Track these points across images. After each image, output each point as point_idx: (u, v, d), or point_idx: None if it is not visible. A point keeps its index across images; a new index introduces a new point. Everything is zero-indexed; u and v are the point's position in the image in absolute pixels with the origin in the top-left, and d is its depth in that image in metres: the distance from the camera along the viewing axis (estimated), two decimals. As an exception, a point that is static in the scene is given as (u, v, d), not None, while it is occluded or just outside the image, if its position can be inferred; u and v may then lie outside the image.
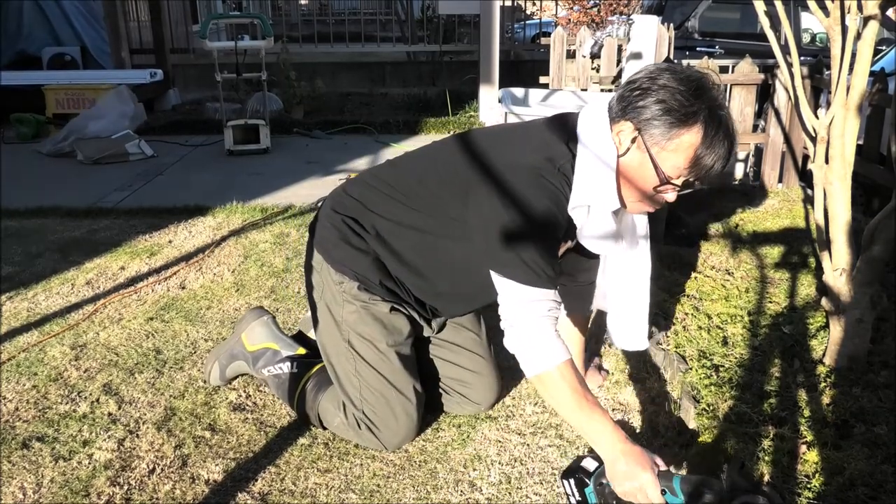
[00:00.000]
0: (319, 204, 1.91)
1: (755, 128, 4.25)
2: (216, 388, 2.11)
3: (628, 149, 1.49)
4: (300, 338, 2.13)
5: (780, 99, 3.96)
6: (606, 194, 1.52)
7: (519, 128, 1.69)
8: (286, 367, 1.96)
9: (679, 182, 1.50)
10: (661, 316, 2.36)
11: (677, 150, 1.45)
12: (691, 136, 1.44)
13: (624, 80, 1.59)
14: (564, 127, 1.58)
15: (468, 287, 1.76)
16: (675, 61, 4.80)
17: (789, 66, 2.03)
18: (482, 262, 1.57)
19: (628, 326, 1.82)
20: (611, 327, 1.86)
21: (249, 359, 2.03)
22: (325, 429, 1.88)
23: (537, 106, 3.98)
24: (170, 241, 3.40)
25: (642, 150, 1.47)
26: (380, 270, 1.73)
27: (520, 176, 1.51)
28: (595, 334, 2.19)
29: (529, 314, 1.51)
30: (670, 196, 1.53)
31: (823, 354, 2.07)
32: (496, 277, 1.54)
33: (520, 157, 1.55)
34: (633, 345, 1.84)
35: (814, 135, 1.98)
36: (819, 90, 3.91)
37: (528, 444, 1.86)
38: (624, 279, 1.78)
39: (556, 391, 1.50)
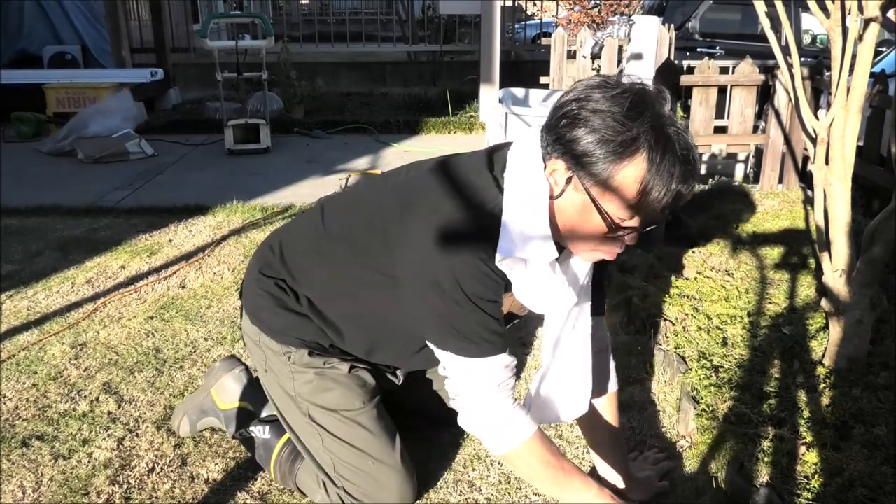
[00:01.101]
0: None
1: (755, 129, 4.25)
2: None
3: (563, 190, 1.24)
4: None
5: (781, 100, 3.96)
6: (538, 244, 1.25)
7: (448, 164, 1.39)
8: (258, 432, 1.76)
9: (635, 223, 1.23)
10: (661, 317, 2.37)
11: (622, 186, 1.19)
12: (635, 168, 1.17)
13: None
14: (497, 162, 1.34)
15: (419, 349, 1.51)
16: (676, 62, 4.81)
17: (790, 67, 2.03)
18: (418, 330, 1.37)
19: (567, 392, 1.49)
20: (548, 393, 1.50)
21: (221, 417, 1.85)
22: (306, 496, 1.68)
23: (538, 106, 3.98)
24: (170, 241, 3.40)
25: (580, 191, 1.22)
26: (327, 336, 1.55)
27: (442, 228, 1.26)
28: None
29: (480, 391, 1.32)
30: (630, 238, 1.26)
31: (823, 355, 2.07)
32: (435, 349, 1.34)
33: (444, 202, 1.30)
34: (569, 414, 1.51)
35: (814, 136, 1.98)
36: (819, 91, 3.91)
37: (527, 445, 1.86)
38: (562, 338, 1.46)
39: (525, 468, 1.36)
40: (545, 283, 1.32)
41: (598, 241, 1.26)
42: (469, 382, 1.32)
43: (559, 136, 1.22)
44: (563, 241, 1.30)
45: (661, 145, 1.18)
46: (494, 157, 1.35)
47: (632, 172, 1.18)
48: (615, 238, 1.25)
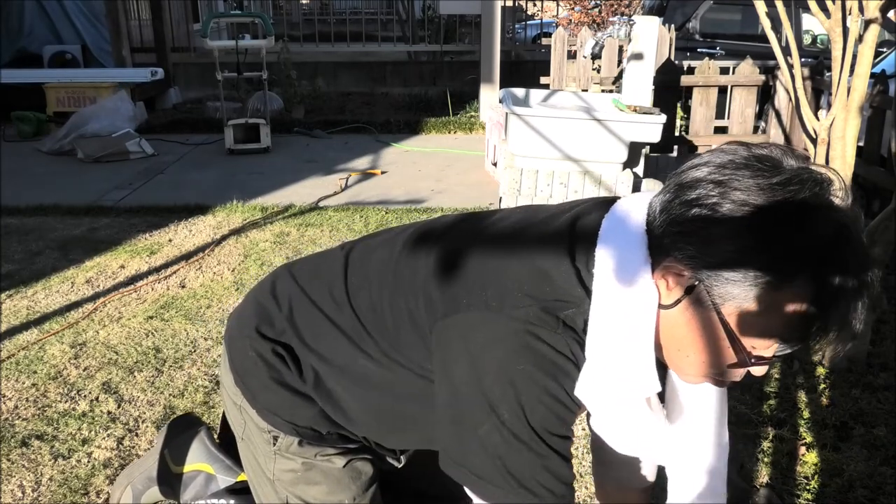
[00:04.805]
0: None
1: (756, 129, 4.25)
2: (216, 387, 2.11)
3: (678, 300, 0.87)
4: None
5: (781, 100, 3.96)
6: (637, 374, 0.91)
7: (515, 238, 1.01)
8: (222, 503, 1.52)
9: (771, 352, 0.85)
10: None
11: (771, 312, 0.81)
12: (794, 295, 0.80)
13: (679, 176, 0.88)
14: (580, 247, 0.93)
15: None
16: (677, 62, 4.80)
17: (790, 67, 2.04)
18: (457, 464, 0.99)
19: (699, 485, 1.15)
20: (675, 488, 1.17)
21: (175, 483, 1.60)
22: None
23: (538, 106, 3.98)
24: (170, 240, 3.40)
25: (706, 307, 0.84)
26: (329, 420, 1.16)
27: (504, 339, 0.91)
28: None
29: None
30: (758, 371, 0.87)
31: (823, 356, 2.07)
32: (473, 496, 0.97)
33: (504, 295, 0.93)
34: None
35: (814, 136, 1.98)
36: (820, 91, 3.91)
37: (527, 445, 1.86)
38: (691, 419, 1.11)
39: None
40: (637, 421, 0.99)
41: (716, 370, 0.90)
42: None
43: (686, 230, 0.83)
44: (661, 357, 0.94)
45: (837, 260, 0.80)
46: (577, 238, 0.95)
47: (790, 297, 0.80)
48: (739, 368, 0.88)
